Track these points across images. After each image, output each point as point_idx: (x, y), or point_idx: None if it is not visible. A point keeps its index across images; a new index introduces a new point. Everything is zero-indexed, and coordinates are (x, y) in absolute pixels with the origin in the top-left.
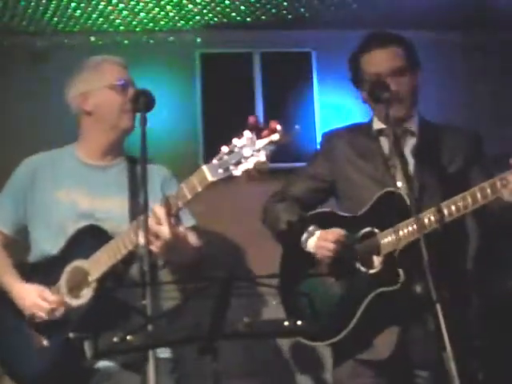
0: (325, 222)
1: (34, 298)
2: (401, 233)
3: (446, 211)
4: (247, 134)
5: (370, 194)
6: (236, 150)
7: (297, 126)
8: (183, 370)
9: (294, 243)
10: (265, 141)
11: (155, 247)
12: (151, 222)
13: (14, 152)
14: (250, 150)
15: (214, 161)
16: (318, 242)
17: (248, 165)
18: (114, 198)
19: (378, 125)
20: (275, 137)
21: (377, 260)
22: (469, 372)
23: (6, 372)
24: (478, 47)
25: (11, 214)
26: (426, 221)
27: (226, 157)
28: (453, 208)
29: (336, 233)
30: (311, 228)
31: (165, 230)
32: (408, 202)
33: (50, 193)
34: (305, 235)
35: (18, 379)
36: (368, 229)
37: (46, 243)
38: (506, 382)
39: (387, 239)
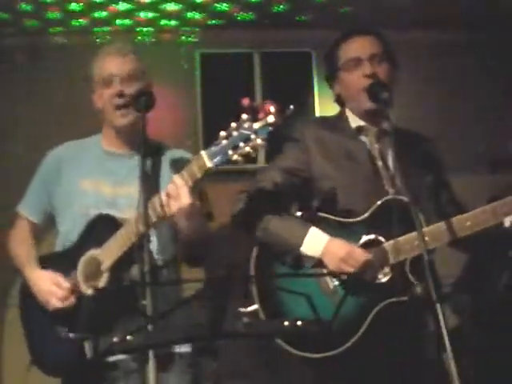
0: (318, 227)
1: (48, 285)
2: (415, 243)
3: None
4: (243, 116)
5: (358, 197)
6: (233, 133)
7: (291, 106)
8: None
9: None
10: (261, 123)
11: (173, 208)
12: (171, 188)
13: (14, 152)
14: (247, 134)
15: (213, 147)
16: (342, 255)
17: (245, 149)
18: (136, 185)
19: (355, 121)
20: (271, 119)
21: (384, 269)
22: (461, 371)
23: (33, 361)
24: (478, 47)
25: (38, 203)
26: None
27: (224, 142)
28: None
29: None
30: (314, 230)
31: (184, 194)
32: (412, 212)
33: (74, 182)
34: (309, 237)
35: (44, 368)
36: (372, 236)
37: (70, 232)
38: (498, 380)
39: (395, 249)
